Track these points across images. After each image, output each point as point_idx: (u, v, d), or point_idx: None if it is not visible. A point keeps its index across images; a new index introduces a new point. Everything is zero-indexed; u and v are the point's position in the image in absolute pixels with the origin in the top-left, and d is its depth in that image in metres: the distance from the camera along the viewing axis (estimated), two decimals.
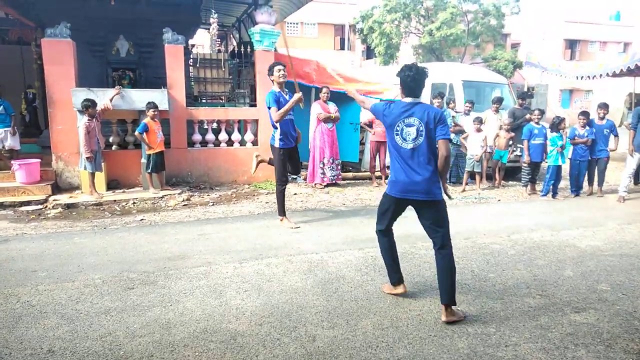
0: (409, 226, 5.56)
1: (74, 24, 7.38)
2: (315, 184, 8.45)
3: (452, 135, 8.69)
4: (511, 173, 9.46)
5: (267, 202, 7.28)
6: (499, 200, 7.81)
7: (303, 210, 6.78)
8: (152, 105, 7.20)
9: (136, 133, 7.26)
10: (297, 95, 5.39)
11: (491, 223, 6.13)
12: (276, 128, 5.49)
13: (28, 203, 6.81)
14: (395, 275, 3.66)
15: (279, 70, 5.43)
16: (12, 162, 7.23)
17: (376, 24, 23.56)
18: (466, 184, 8.51)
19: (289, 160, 5.71)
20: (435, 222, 3.45)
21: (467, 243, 5.11)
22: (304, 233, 5.50)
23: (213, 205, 7.12)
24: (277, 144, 5.52)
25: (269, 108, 5.39)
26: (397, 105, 3.47)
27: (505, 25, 23.88)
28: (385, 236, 3.72)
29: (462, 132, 8.61)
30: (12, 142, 7.41)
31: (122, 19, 8.78)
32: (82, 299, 3.60)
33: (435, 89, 10.00)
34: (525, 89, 21.77)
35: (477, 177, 8.54)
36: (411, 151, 3.34)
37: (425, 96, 10.56)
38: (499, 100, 9.02)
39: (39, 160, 7.32)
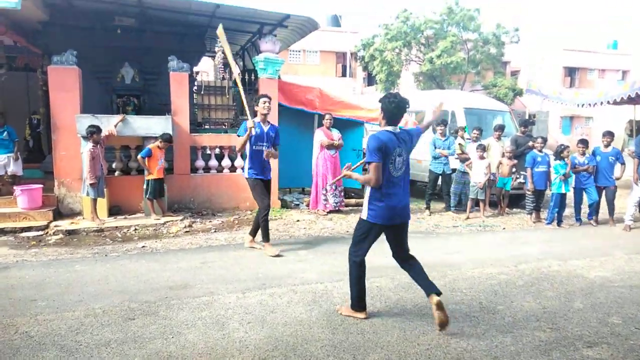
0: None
1: (80, 52, 7.49)
2: (318, 211, 8.42)
3: (458, 163, 8.70)
4: (515, 200, 9.43)
5: (270, 229, 7.20)
6: (503, 228, 7.75)
7: (306, 238, 6.72)
8: (167, 137, 7.27)
9: (139, 157, 7.27)
10: (249, 122, 5.52)
11: (497, 252, 6.06)
12: (245, 158, 5.71)
13: (29, 229, 6.76)
14: (364, 302, 3.82)
15: (265, 102, 5.57)
16: (15, 187, 7.22)
17: (377, 51, 23.91)
18: (470, 211, 8.47)
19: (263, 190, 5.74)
20: (406, 239, 3.83)
21: (474, 273, 5.04)
22: (307, 262, 5.43)
23: (215, 232, 7.07)
24: (246, 174, 5.67)
25: (238, 136, 5.61)
26: (387, 138, 3.53)
27: (504, 53, 24.23)
28: (363, 265, 3.85)
29: (467, 159, 8.62)
30: (14, 167, 7.41)
31: (128, 47, 8.91)
32: (82, 329, 3.52)
33: (438, 116, 10.06)
34: (527, 117, 21.97)
35: (481, 205, 8.50)
36: (400, 178, 3.61)
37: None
38: (501, 128, 9.06)
39: (41, 185, 7.30)
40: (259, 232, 5.84)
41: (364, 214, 3.71)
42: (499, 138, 8.95)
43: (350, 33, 29.50)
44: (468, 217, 8.34)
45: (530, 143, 8.53)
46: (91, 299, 4.16)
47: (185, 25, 9.08)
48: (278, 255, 5.59)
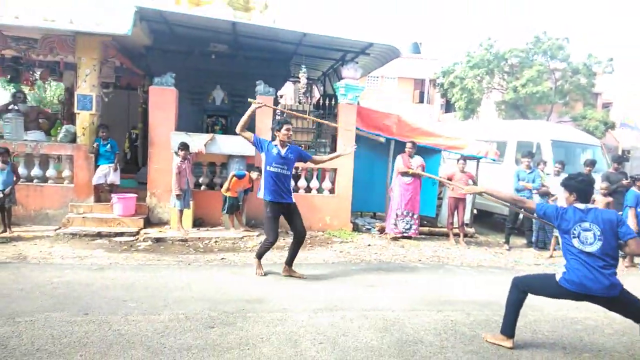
0: (490, 291, 5.28)
1: (177, 74, 8.14)
2: (386, 234, 8.38)
3: (538, 197, 8.29)
4: None
5: (341, 252, 7.28)
6: None
7: (378, 264, 6.69)
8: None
9: (234, 174, 7.63)
10: (255, 103, 5.46)
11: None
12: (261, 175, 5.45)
13: (122, 234, 7.35)
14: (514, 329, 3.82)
15: (288, 129, 5.29)
16: (112, 195, 7.92)
17: (457, 79, 23.50)
18: (554, 249, 7.97)
19: (286, 218, 5.49)
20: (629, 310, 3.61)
21: (558, 315, 4.73)
22: (378, 288, 5.40)
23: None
24: (261, 195, 5.37)
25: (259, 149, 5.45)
26: (572, 211, 3.65)
27: (596, 84, 22.79)
28: (523, 295, 3.86)
29: (548, 194, 8.17)
30: (113, 177, 8.12)
31: (220, 70, 9.54)
32: (166, 333, 3.76)
33: (521, 148, 9.67)
34: (620, 152, 20.37)
35: None
36: (591, 254, 3.49)
37: (511, 155, 10.24)
38: (592, 163, 8.50)
39: (135, 195, 7.95)
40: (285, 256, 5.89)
41: (559, 273, 3.64)
42: (589, 174, 8.38)
43: (430, 60, 29.32)
44: (551, 256, 7.85)
45: (624, 181, 7.91)
46: (175, 304, 4.44)
47: (272, 51, 9.57)
48: (264, 274, 5.58)
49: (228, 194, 7.66)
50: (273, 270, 5.95)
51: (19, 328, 3.72)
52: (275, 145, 5.29)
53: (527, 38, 22.43)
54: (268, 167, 5.25)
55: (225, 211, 7.73)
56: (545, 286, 3.74)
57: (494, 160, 9.57)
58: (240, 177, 7.63)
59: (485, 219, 11.34)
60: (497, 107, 24.49)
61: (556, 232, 7.81)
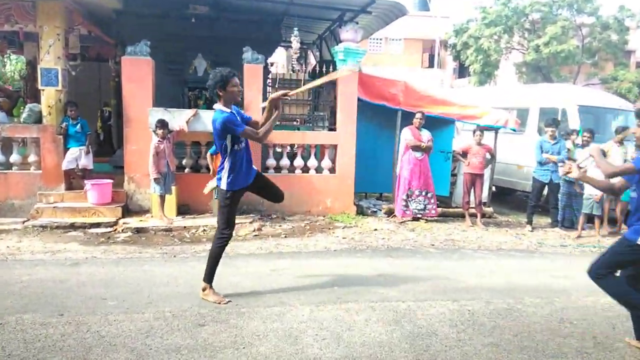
0: (512, 277, 5.33)
1: (153, 42, 8.04)
2: (394, 216, 8.42)
3: (562, 171, 8.28)
4: None
5: (344, 238, 7.32)
6: None
7: (386, 250, 6.74)
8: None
9: (208, 154, 7.67)
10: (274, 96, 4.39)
11: None
12: (224, 163, 4.39)
13: (98, 225, 7.37)
14: None
15: (237, 84, 4.23)
16: (85, 181, 7.91)
17: (472, 39, 23.28)
18: (582, 229, 8.01)
19: (256, 192, 4.87)
20: None
21: (587, 302, 4.78)
22: (387, 277, 5.44)
23: (285, 237, 7.28)
24: (225, 185, 4.39)
25: (239, 131, 4.17)
26: None
27: (629, 40, 22.58)
28: (617, 278, 3.77)
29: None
30: (85, 161, 8.09)
31: (201, 36, 9.42)
32: (152, 333, 3.79)
33: (545, 115, 9.63)
34: None
35: (597, 222, 8.01)
36: None
37: (533, 123, 10.20)
38: (624, 130, 8.46)
39: (111, 181, 7.94)
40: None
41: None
42: (620, 142, 8.36)
43: (440, 18, 28.96)
44: (580, 236, 7.89)
45: None
46: (160, 301, 4.47)
47: (261, 13, 9.43)
48: (224, 303, 4.43)
49: None
50: (271, 259, 5.98)
51: None
52: (233, 113, 4.25)
53: None
54: (237, 146, 4.29)
55: (216, 197, 7.71)
56: (627, 254, 3.66)
57: (514, 130, 9.53)
58: (215, 153, 7.57)
59: (504, 197, 11.38)
60: (517, 70, 24.32)
61: (585, 210, 7.86)
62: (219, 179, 4.44)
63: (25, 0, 7.72)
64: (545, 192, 8.62)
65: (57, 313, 4.14)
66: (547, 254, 6.95)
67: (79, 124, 7.98)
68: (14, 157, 7.98)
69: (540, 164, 8.33)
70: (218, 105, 4.26)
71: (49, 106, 7.87)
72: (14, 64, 20.48)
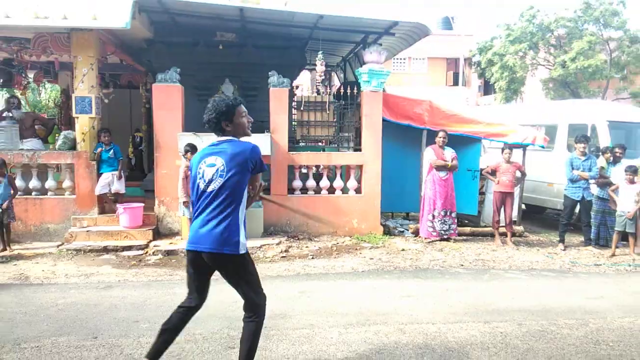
0: (544, 298, 5.24)
1: (182, 69, 8.27)
2: (424, 238, 8.35)
3: (597, 189, 8.12)
4: None
5: (371, 258, 7.28)
6: None
7: (414, 270, 6.67)
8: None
9: None
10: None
11: None
12: (238, 212, 3.18)
13: (130, 248, 7.52)
14: None
15: (245, 113, 3.33)
16: (117, 205, 8.10)
17: (497, 56, 23.19)
18: (616, 247, 7.79)
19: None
20: None
21: (624, 323, 4.63)
22: (416, 298, 5.39)
23: (313, 258, 7.28)
24: (243, 247, 3.18)
25: (265, 169, 3.31)
26: None
27: None
28: None
29: (609, 184, 8.00)
30: (118, 185, 8.31)
31: (229, 63, 9.64)
32: (183, 356, 3.84)
33: (574, 132, 9.47)
34: None
35: (631, 239, 7.77)
36: None
37: (562, 140, 10.05)
38: None
39: (142, 204, 8.12)
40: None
41: None
42: None
43: (464, 36, 28.98)
44: (614, 254, 7.67)
45: None
46: (191, 323, 4.46)
47: (285, 38, 9.62)
48: None
49: None
50: (299, 280, 5.99)
51: (25, 355, 3.85)
52: None
53: (575, 5, 21.96)
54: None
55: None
56: None
57: (542, 147, 9.39)
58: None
59: (535, 215, 11.16)
60: (543, 86, 24.05)
61: (618, 227, 7.66)
62: (234, 242, 3.09)
63: (61, 32, 8.04)
64: (577, 209, 8.43)
65: (91, 336, 4.23)
66: (580, 274, 6.77)
67: (112, 150, 8.20)
68: (49, 183, 8.23)
69: (572, 181, 8.17)
70: (227, 137, 3.23)
71: (83, 133, 8.13)
72: (49, 93, 21.26)
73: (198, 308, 3.41)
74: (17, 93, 11.40)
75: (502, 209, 8.43)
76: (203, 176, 3.12)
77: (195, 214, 3.18)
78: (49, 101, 20.92)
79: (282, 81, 8.44)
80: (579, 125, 9.83)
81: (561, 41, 22.91)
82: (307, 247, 7.91)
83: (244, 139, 3.29)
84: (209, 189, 3.08)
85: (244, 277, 3.22)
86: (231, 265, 3.14)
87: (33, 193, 8.19)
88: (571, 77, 21.94)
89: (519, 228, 9.05)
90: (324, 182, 8.84)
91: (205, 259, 3.11)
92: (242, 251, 3.12)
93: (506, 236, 8.39)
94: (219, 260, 3.11)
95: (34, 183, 8.17)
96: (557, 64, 22.20)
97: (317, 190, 8.91)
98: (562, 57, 21.73)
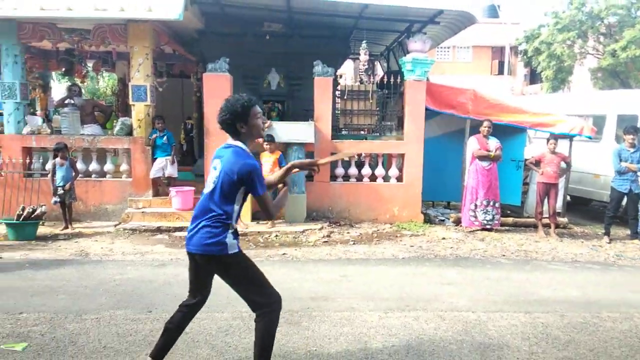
0: (588, 290, 5.10)
1: (231, 59, 8.39)
2: (465, 228, 8.22)
3: None
4: None
5: (411, 246, 7.24)
6: None
7: (454, 259, 6.59)
8: (269, 137, 7.79)
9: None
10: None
11: None
12: (229, 219, 2.98)
13: (181, 229, 7.74)
14: None
15: (260, 114, 3.10)
16: (170, 188, 8.36)
17: (544, 44, 22.30)
18: None
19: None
20: None
21: None
22: (456, 286, 5.33)
23: (354, 244, 7.31)
24: (233, 247, 2.99)
25: (260, 193, 2.95)
26: None
27: None
28: None
29: None
30: (171, 170, 8.57)
31: (275, 52, 9.72)
32: (230, 331, 3.96)
33: (623, 122, 9.04)
34: None
35: None
36: None
37: (610, 131, 9.64)
38: None
39: (193, 188, 8.34)
40: None
41: None
42: None
43: (510, 24, 27.98)
44: None
45: None
46: (237, 301, 4.54)
47: (330, 28, 9.59)
48: None
49: None
50: (340, 264, 6.04)
51: (86, 325, 4.06)
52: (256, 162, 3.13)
53: None
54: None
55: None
56: None
57: (590, 137, 9.02)
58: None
59: (580, 207, 10.77)
60: (592, 76, 22.98)
61: None
62: (216, 244, 2.92)
63: (118, 24, 8.30)
64: (624, 202, 8.09)
65: (146, 310, 4.41)
66: (626, 267, 6.51)
67: (165, 136, 8.45)
68: (108, 166, 8.57)
69: (619, 173, 7.83)
70: (237, 143, 3.02)
71: (139, 120, 8.40)
72: (106, 81, 22.03)
73: (201, 304, 3.34)
74: (78, 81, 11.85)
75: (546, 200, 8.18)
76: (209, 177, 3.06)
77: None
78: (106, 89, 21.71)
79: (327, 70, 8.43)
80: (628, 115, 9.36)
81: (612, 29, 21.78)
82: (348, 232, 7.94)
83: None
84: (206, 191, 3.03)
85: (237, 278, 3.08)
86: (221, 266, 3.02)
87: (93, 175, 8.55)
88: (621, 66, 20.86)
89: (563, 220, 8.77)
90: (366, 170, 8.82)
91: (197, 260, 3.03)
92: (230, 251, 2.94)
93: (550, 227, 8.15)
94: (208, 260, 3.00)
95: (93, 166, 8.53)
96: (606, 53, 21.16)
97: (359, 178, 8.90)
98: (612, 46, 20.67)
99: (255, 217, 8.22)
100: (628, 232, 8.21)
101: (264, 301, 3.11)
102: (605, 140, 9.63)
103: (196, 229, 2.97)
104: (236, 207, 2.99)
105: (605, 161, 8.58)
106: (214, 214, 2.93)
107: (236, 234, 3.04)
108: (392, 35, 10.84)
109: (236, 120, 2.98)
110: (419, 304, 4.70)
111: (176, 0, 7.61)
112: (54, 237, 7.36)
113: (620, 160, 7.77)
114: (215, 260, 2.98)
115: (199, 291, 3.27)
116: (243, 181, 2.88)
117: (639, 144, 7.93)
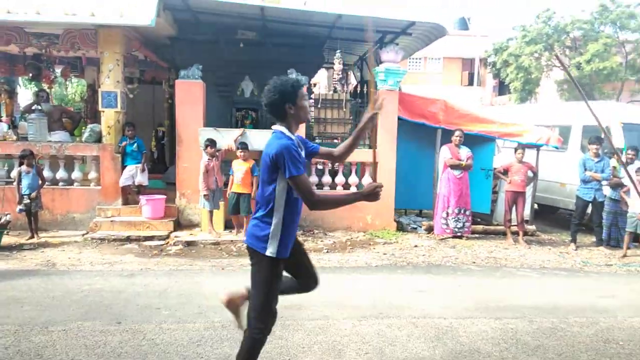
0: (555, 296, 5.22)
1: (204, 66, 8.33)
2: (436, 235, 8.33)
3: (609, 190, 8.02)
4: None
5: (384, 254, 7.29)
6: None
7: (426, 266, 6.67)
8: (242, 145, 7.69)
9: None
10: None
11: None
12: (271, 215, 2.87)
13: (151, 238, 7.63)
14: None
15: (306, 96, 3.01)
16: (140, 197, 8.22)
17: (512, 57, 22.94)
18: (628, 248, 7.69)
19: (293, 266, 3.16)
20: None
21: (634, 323, 4.59)
22: (428, 293, 5.40)
23: (327, 252, 7.32)
24: (273, 250, 2.85)
25: (293, 174, 2.73)
26: None
27: None
28: None
29: (621, 185, 7.89)
30: (141, 178, 8.41)
31: (249, 60, 9.70)
32: (202, 342, 3.90)
33: (588, 133, 9.34)
34: None
35: None
36: None
37: (576, 141, 9.94)
38: None
39: (164, 196, 8.21)
40: None
41: None
42: None
43: (479, 37, 28.69)
44: (625, 255, 7.57)
45: None
46: (210, 311, 4.58)
47: (305, 37, 9.64)
48: None
49: (229, 191, 7.69)
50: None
51: (52, 337, 3.95)
52: (294, 144, 2.89)
53: (591, 7, 21.63)
54: (294, 193, 2.85)
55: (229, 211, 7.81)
56: None
57: (556, 147, 9.29)
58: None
59: (547, 215, 11.05)
60: (558, 87, 23.73)
61: (630, 228, 7.56)
62: (259, 239, 2.86)
63: (88, 29, 8.15)
64: (589, 210, 8.34)
65: (115, 321, 4.31)
66: (591, 273, 6.71)
67: (136, 143, 8.31)
68: (76, 174, 8.37)
69: (584, 182, 8.08)
70: (279, 127, 2.92)
71: (109, 126, 8.25)
72: (75, 87, 21.55)
73: (311, 288, 3.29)
74: (45, 87, 11.57)
75: (514, 208, 8.37)
76: None
77: None
78: (75, 95, 21.23)
79: (300, 79, 8.45)
80: (592, 127, 9.67)
81: (577, 43, 22.57)
82: (322, 241, 7.94)
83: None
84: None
85: (254, 279, 2.95)
86: (253, 261, 2.94)
87: (60, 183, 8.33)
88: (586, 78, 21.60)
89: (531, 227, 8.98)
90: (340, 178, 8.86)
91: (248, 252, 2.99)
92: (266, 252, 2.83)
93: (518, 235, 8.34)
94: (249, 252, 2.96)
95: (61, 174, 8.31)
96: (572, 66, 21.88)
97: (333, 186, 8.93)
98: (577, 58, 21.41)
99: (227, 226, 8.14)
100: (593, 239, 8.47)
101: (252, 316, 2.98)
102: (571, 150, 9.92)
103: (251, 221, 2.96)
104: (277, 198, 2.82)
105: (571, 170, 8.84)
106: (261, 206, 2.89)
107: (288, 237, 2.90)
108: (365, 45, 10.96)
109: (285, 101, 2.86)
110: (392, 311, 4.73)
111: (148, 6, 7.54)
112: (19, 247, 7.13)
113: (585, 170, 8.03)
114: (251, 252, 2.93)
115: (299, 278, 3.23)
116: (277, 163, 2.74)
117: (603, 153, 8.21)
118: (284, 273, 3.06)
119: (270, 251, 2.82)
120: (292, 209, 2.89)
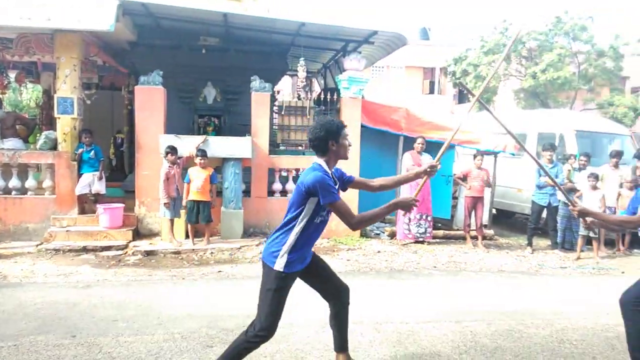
0: (513, 299, 5.33)
1: (165, 72, 8.21)
2: (399, 241, 8.43)
3: (560, 195, 8.32)
4: (638, 239, 8.73)
5: (348, 260, 7.32)
6: (622, 272, 7.22)
7: (388, 272, 6.73)
8: (201, 152, 7.59)
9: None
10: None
11: (615, 299, 5.64)
12: (288, 234, 3.16)
13: (109, 248, 7.41)
14: None
15: (348, 137, 3.29)
16: (97, 205, 7.98)
17: (471, 66, 23.51)
18: (581, 250, 7.99)
19: (309, 278, 3.54)
20: None
21: (587, 323, 4.75)
22: (391, 297, 5.44)
23: None
24: (282, 264, 3.12)
25: (331, 201, 3.04)
26: None
27: (623, 67, 22.74)
28: None
29: (574, 190, 8.20)
30: (98, 186, 8.17)
31: (212, 66, 9.60)
32: (161, 354, 3.81)
33: (543, 140, 9.68)
34: None
35: (595, 244, 7.98)
36: None
37: (531, 147, 10.27)
38: (619, 154, 8.56)
39: (122, 205, 8.01)
40: None
41: None
42: (616, 166, 8.44)
43: (440, 47, 29.33)
44: (579, 257, 7.86)
45: None
46: (169, 322, 4.48)
47: (268, 44, 9.63)
48: None
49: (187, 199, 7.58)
50: None
51: (2, 353, 3.77)
52: (329, 173, 3.18)
53: (546, 19, 22.43)
54: (319, 218, 3.20)
55: (187, 219, 7.69)
56: None
57: (513, 154, 9.59)
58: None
59: (505, 219, 11.36)
60: (515, 96, 24.48)
61: (583, 232, 7.85)
62: (271, 254, 3.14)
63: (44, 33, 7.91)
64: (544, 214, 8.62)
65: (69, 335, 4.16)
66: (547, 276, 6.92)
67: (93, 151, 8.08)
68: (29, 183, 8.06)
69: (539, 187, 8.36)
70: (319, 160, 3.17)
71: (64, 133, 8.00)
72: (30, 93, 20.80)
73: (343, 306, 3.66)
74: None
75: (474, 213, 8.57)
76: None
77: None
78: (30, 101, 20.48)
79: (264, 86, 8.45)
80: (547, 134, 10.05)
81: (532, 53, 23.34)
82: None
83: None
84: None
85: (262, 289, 3.25)
86: (263, 272, 3.22)
87: (13, 192, 8.01)
88: (541, 87, 22.38)
89: (489, 232, 9.21)
90: (291, 186, 8.85)
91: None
92: (276, 267, 3.11)
93: (477, 239, 8.53)
94: (262, 264, 3.23)
95: (14, 182, 7.99)
96: (528, 75, 22.60)
97: (285, 193, 8.91)
98: (533, 68, 22.13)
99: (188, 235, 7.99)
100: (549, 242, 8.76)
101: (256, 324, 3.25)
102: (527, 156, 10.25)
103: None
104: (299, 221, 3.12)
105: (527, 176, 9.13)
106: (284, 225, 3.18)
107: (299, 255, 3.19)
108: (328, 53, 11.04)
109: (329, 138, 3.14)
110: (354, 317, 4.70)
111: (107, 11, 7.37)
112: None
113: (540, 176, 8.30)
114: (263, 266, 3.21)
115: (328, 295, 3.63)
116: (310, 191, 3.03)
117: (556, 159, 8.52)
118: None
119: (278, 265, 3.12)
120: (310, 233, 3.19)
